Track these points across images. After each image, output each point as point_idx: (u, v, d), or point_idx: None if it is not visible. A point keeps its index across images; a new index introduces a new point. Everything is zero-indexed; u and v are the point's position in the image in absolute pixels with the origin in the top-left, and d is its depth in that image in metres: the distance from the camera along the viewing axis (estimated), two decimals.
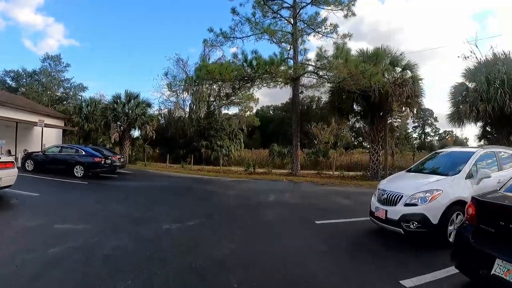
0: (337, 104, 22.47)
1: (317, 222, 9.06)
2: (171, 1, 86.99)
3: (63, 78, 51.37)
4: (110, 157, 19.12)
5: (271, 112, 72.37)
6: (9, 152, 21.23)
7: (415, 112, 23.75)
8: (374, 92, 19.80)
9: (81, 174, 17.62)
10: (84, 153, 18.33)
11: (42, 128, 24.49)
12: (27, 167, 18.98)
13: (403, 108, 23.23)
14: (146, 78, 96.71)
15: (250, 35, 23.94)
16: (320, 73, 22.00)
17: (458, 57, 75.71)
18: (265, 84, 24.90)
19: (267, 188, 16.88)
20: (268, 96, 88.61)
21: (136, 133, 35.53)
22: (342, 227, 8.73)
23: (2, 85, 48.40)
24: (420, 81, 21.73)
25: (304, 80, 25.79)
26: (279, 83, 24.81)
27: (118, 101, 32.22)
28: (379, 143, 22.65)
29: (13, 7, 71.29)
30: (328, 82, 22.42)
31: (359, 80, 18.15)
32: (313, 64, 22.46)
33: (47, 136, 26.15)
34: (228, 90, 36.31)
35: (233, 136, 38.53)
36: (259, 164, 27.98)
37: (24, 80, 49.73)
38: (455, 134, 72.14)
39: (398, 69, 21.82)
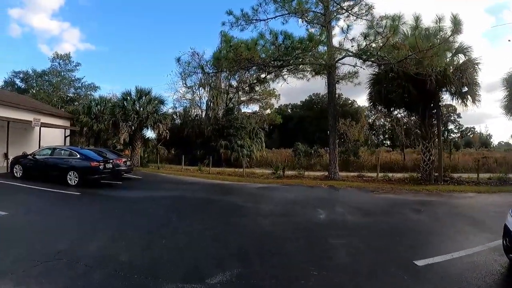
0: (384, 94, 18.55)
1: (418, 263, 5.61)
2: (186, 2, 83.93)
3: (73, 78, 48.49)
4: (111, 161, 15.91)
5: (289, 110, 68.89)
6: (4, 156, 18.26)
7: (470, 104, 19.49)
8: (431, 78, 16.11)
9: (76, 181, 14.32)
10: (78, 156, 15.02)
11: (40, 128, 21.77)
12: (15, 173, 15.96)
13: (454, 100, 19.23)
14: (162, 78, 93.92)
15: (277, 16, 20.41)
16: (364, 56, 18.10)
17: (509, 40, 71.75)
18: (293, 74, 21.41)
19: (308, 198, 13.33)
20: (285, 95, 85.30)
21: (148, 133, 32.30)
22: (463, 274, 5.20)
23: (11, 86, 46.09)
24: (477, 66, 17.87)
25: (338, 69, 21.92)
26: (309, 72, 21.36)
27: (128, 98, 29.11)
28: (432, 140, 18.88)
29: (28, 13, 71.00)
30: (380, 65, 18.44)
31: (425, 58, 14.28)
32: (355, 45, 18.67)
33: (50, 137, 23.48)
34: (247, 84, 32.76)
35: (253, 135, 35.08)
36: (284, 166, 24.18)
37: (34, 81, 47.10)
38: (479, 131, 68.25)
39: (449, 53, 17.91)
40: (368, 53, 17.31)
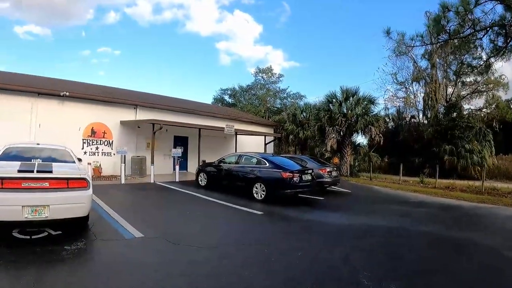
0: None
1: None
2: None
3: (278, 89, 48.72)
4: (311, 171, 12.16)
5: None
6: (203, 163, 16.94)
7: None
8: None
9: (262, 195, 11.14)
10: (267, 164, 11.78)
11: (236, 136, 20.91)
12: (200, 182, 14.41)
13: None
14: (369, 77, 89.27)
15: None
16: None
17: None
18: None
19: None
20: None
21: (358, 138, 28.04)
22: None
23: (221, 102, 49.34)
24: None
25: None
26: None
27: (334, 100, 25.56)
28: None
29: (233, 44, 78.06)
30: None
31: None
32: None
33: (251, 144, 23.11)
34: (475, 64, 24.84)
35: (480, 137, 26.95)
36: None
37: (241, 96, 49.38)
38: None
39: None
40: None
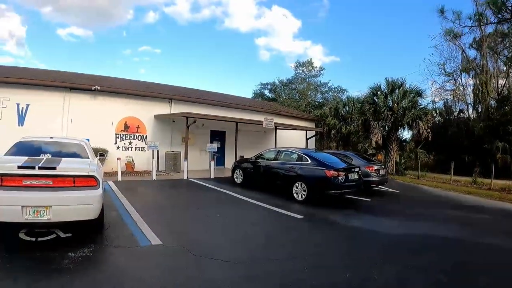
0: None
1: None
2: None
3: (318, 83, 46.63)
4: (358, 169, 10.93)
5: None
6: (240, 158, 16.50)
7: None
8: None
9: (303, 196, 10.01)
10: (309, 161, 10.62)
11: (276, 130, 20.02)
12: (235, 179, 13.56)
13: None
14: (414, 68, 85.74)
15: None
16: None
17: None
18: None
19: None
20: None
21: (404, 133, 26.25)
22: None
23: (261, 97, 47.90)
24: None
25: None
26: None
27: (378, 92, 23.89)
28: None
29: (272, 40, 76.80)
30: None
31: None
32: None
33: (291, 140, 21.77)
34: None
35: None
36: None
37: (281, 90, 47.65)
38: None
39: None
40: None
